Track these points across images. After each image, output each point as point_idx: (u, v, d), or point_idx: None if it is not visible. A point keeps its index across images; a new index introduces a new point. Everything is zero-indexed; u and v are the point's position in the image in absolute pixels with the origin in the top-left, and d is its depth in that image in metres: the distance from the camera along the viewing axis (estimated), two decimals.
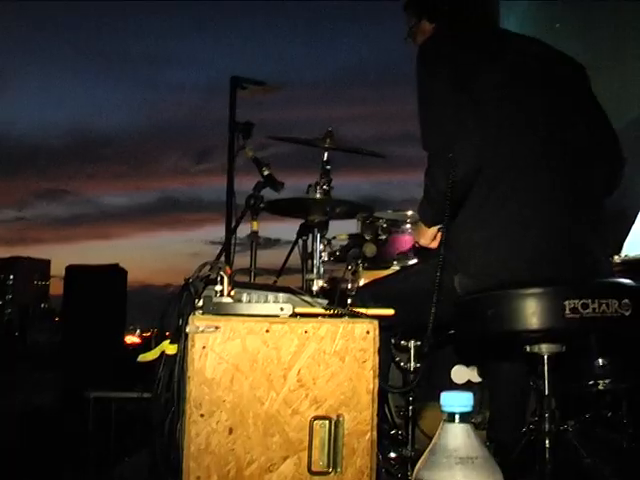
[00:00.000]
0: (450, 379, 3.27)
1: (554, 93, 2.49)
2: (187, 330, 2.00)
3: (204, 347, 1.99)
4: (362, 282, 3.30)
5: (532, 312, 2.13)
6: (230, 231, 4.52)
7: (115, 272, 9.22)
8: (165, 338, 2.24)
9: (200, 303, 2.11)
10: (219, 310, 2.08)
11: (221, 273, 2.14)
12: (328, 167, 3.52)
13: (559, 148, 2.41)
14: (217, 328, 2.00)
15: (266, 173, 3.80)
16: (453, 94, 2.35)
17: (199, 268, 2.23)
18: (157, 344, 2.26)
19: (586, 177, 2.44)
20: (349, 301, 3.13)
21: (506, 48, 2.54)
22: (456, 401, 1.34)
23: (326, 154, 3.56)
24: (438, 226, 2.55)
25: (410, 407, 3.03)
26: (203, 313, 2.09)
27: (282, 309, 2.08)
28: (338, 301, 3.07)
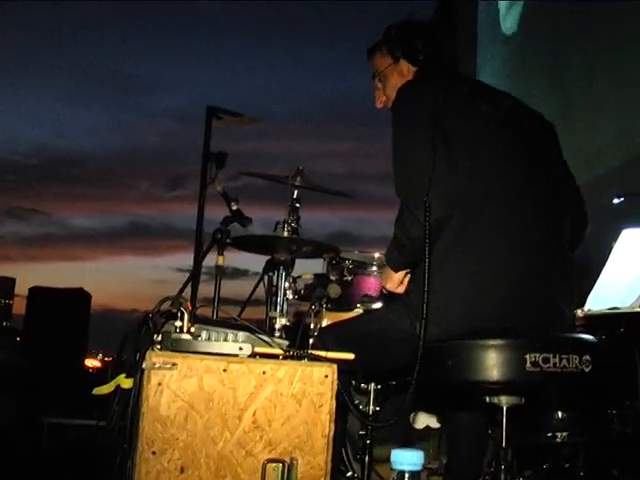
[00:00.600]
0: (409, 424, 3.25)
1: (525, 147, 2.50)
2: (143, 366, 1.97)
3: (159, 384, 1.96)
4: (325, 323, 3.27)
5: (493, 364, 2.12)
6: (197, 263, 4.50)
7: (79, 296, 9.12)
8: (122, 369, 2.21)
9: (159, 338, 2.09)
10: (177, 347, 2.05)
11: (181, 309, 2.11)
12: (297, 205, 3.51)
13: (529, 201, 2.42)
14: (174, 365, 1.97)
15: (234, 208, 3.78)
16: (429, 141, 2.33)
17: (160, 302, 2.20)
18: (113, 376, 2.22)
19: (555, 230, 2.45)
20: (311, 341, 3.11)
21: (481, 99, 2.54)
22: (406, 459, 1.32)
23: (296, 192, 3.54)
24: (405, 271, 2.55)
25: (367, 451, 2.99)
26: (161, 349, 2.06)
27: (241, 349, 2.06)
28: (300, 341, 3.04)
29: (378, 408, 3.08)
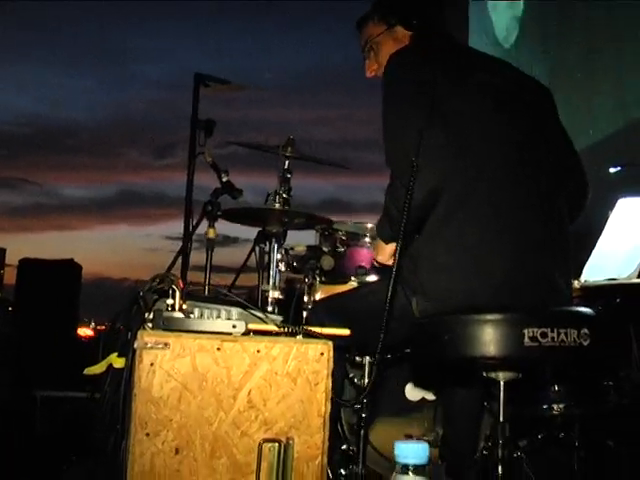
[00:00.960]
0: (404, 396, 3.23)
1: (522, 116, 2.45)
2: (135, 346, 1.93)
3: (152, 364, 1.93)
4: (319, 296, 3.23)
5: (490, 339, 2.08)
6: (186, 236, 4.47)
7: (69, 267, 9.05)
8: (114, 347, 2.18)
9: (150, 316, 2.05)
10: (169, 325, 2.01)
11: (173, 286, 2.07)
12: (288, 175, 3.47)
13: (526, 172, 2.37)
14: (166, 345, 1.94)
15: (224, 180, 3.74)
16: (421, 110, 2.28)
17: (151, 279, 2.15)
18: (105, 354, 2.19)
19: (552, 202, 2.40)
20: (304, 314, 3.08)
21: (476, 67, 2.48)
22: (410, 453, 1.28)
23: (287, 162, 3.50)
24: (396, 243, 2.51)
25: (362, 424, 2.97)
26: (153, 328, 2.02)
27: (234, 326, 2.02)
28: (294, 314, 3.01)
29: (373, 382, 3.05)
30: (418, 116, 2.27)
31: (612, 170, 3.51)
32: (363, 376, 3.05)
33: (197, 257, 4.21)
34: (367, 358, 3.00)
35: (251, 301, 3.75)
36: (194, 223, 3.95)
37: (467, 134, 2.31)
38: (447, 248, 2.29)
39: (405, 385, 3.23)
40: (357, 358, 3.02)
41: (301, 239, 3.64)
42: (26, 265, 8.94)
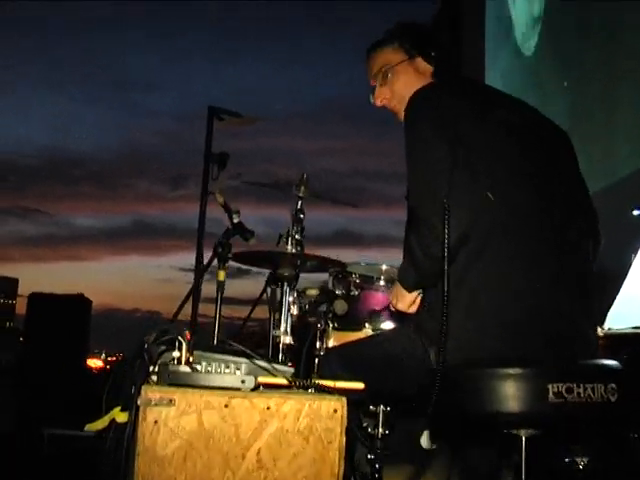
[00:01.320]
0: (419, 444, 3.12)
1: (541, 159, 2.36)
2: (138, 402, 1.83)
3: (156, 422, 1.83)
4: (332, 343, 3.13)
5: (512, 394, 1.98)
6: (197, 271, 4.40)
7: (79, 301, 9.02)
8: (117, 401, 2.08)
9: (155, 370, 1.95)
10: (175, 380, 1.91)
11: (179, 338, 1.97)
12: (301, 216, 3.38)
13: (548, 216, 2.27)
14: (171, 401, 1.84)
15: (236, 221, 3.66)
16: (448, 152, 2.18)
17: (157, 330, 2.06)
18: (108, 408, 2.09)
19: (573, 247, 2.31)
20: (316, 361, 2.99)
21: (495, 105, 2.40)
22: None
23: (300, 202, 3.41)
24: (418, 290, 2.41)
25: (376, 475, 2.87)
26: (157, 382, 1.92)
27: (243, 381, 1.92)
28: (305, 362, 2.91)
29: (387, 431, 2.94)
30: (447, 155, 2.18)
31: (636, 212, 3.41)
32: (377, 425, 2.95)
33: (209, 289, 4.12)
34: (381, 407, 2.90)
35: (263, 340, 3.69)
36: (205, 262, 3.87)
37: (491, 173, 2.22)
38: (469, 295, 2.18)
39: (420, 433, 3.12)
40: (371, 407, 2.92)
41: (314, 278, 3.56)
42: (36, 299, 8.90)
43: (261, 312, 3.99)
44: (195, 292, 4.34)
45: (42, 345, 8.56)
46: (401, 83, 2.63)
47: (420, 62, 2.63)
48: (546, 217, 2.28)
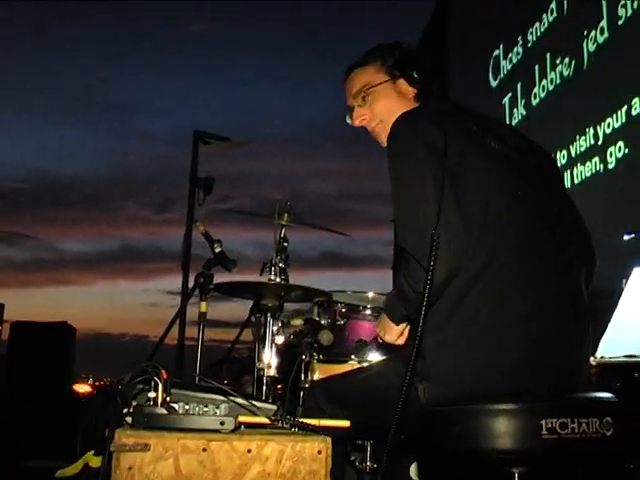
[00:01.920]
0: (409, 475, 3.03)
1: (534, 187, 2.28)
2: (111, 448, 1.74)
3: (130, 468, 1.75)
4: (317, 376, 3.04)
5: (504, 431, 1.89)
6: (184, 298, 4.33)
7: (62, 329, 8.88)
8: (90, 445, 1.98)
9: (130, 411, 1.86)
10: (150, 422, 1.82)
11: (155, 378, 1.88)
12: (285, 244, 3.30)
13: (542, 245, 2.20)
14: (146, 446, 1.75)
15: (217, 250, 3.59)
16: (437, 183, 2.05)
17: (131, 369, 1.96)
18: (82, 452, 1.99)
19: (571, 275, 2.24)
20: (301, 394, 2.90)
21: (489, 135, 2.30)
22: None
23: (283, 230, 3.34)
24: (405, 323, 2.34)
25: None
26: (132, 424, 1.83)
27: (223, 423, 1.83)
28: (289, 396, 2.82)
29: (375, 465, 2.85)
30: (433, 186, 2.06)
31: (626, 237, 3.33)
32: (364, 459, 2.86)
33: (197, 312, 4.04)
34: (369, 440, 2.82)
35: (251, 364, 3.60)
36: (185, 294, 3.80)
37: (482, 204, 2.12)
38: (458, 328, 2.10)
39: (409, 465, 3.03)
40: (358, 441, 2.84)
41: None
42: (18, 328, 8.77)
43: (249, 334, 3.92)
44: (181, 316, 4.27)
45: (24, 374, 8.42)
46: (382, 105, 2.55)
47: (402, 84, 2.56)
48: (543, 241, 2.21)
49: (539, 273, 2.16)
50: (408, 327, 2.40)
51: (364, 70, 2.62)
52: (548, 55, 5.73)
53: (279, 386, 3.47)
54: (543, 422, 1.88)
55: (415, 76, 2.55)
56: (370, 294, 3.33)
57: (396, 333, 2.39)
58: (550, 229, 2.24)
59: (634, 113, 4.38)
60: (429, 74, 2.60)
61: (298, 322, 3.11)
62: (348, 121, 2.68)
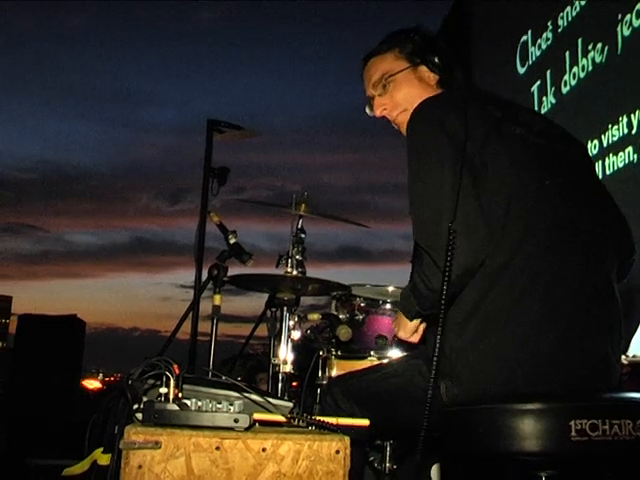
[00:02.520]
0: (429, 477, 2.95)
1: (562, 174, 2.18)
2: (120, 445, 1.66)
3: (140, 466, 1.67)
4: (334, 372, 2.96)
5: (531, 432, 1.80)
6: (196, 295, 4.26)
7: (72, 322, 8.77)
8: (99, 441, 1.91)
9: (140, 407, 1.78)
10: (161, 419, 1.74)
11: (167, 373, 1.80)
12: (302, 236, 3.22)
13: (571, 237, 2.10)
14: (157, 444, 1.67)
15: (232, 242, 3.51)
16: (456, 174, 1.96)
17: (142, 364, 1.88)
18: (90, 449, 1.92)
19: (600, 269, 2.14)
20: (318, 391, 2.82)
21: (511, 119, 2.21)
22: None
23: (301, 221, 3.26)
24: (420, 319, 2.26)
25: None
26: (143, 421, 1.75)
27: (237, 420, 1.75)
28: (306, 393, 2.75)
29: (395, 466, 2.77)
30: (453, 178, 1.96)
31: None
32: (384, 460, 2.78)
33: (210, 306, 3.96)
34: (388, 441, 2.74)
35: (266, 360, 3.52)
36: (199, 288, 3.72)
37: (505, 195, 2.04)
38: (480, 325, 2.01)
39: (430, 466, 2.95)
40: (377, 441, 2.75)
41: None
42: (26, 321, 8.66)
43: (264, 330, 3.85)
44: (194, 310, 4.20)
45: (32, 369, 8.33)
46: (403, 93, 2.47)
47: (424, 70, 2.48)
48: (571, 233, 2.11)
49: (566, 267, 2.07)
50: (423, 324, 2.32)
51: (383, 58, 2.53)
52: (580, 41, 5.53)
53: (295, 383, 3.40)
54: (572, 423, 1.79)
55: (436, 61, 2.48)
56: (390, 288, 3.24)
57: (410, 330, 2.31)
58: (579, 219, 2.14)
59: None
60: (451, 59, 2.51)
61: (315, 316, 3.04)
62: (368, 112, 2.60)
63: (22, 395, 8.05)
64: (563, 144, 2.29)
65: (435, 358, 1.83)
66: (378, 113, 2.53)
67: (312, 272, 3.30)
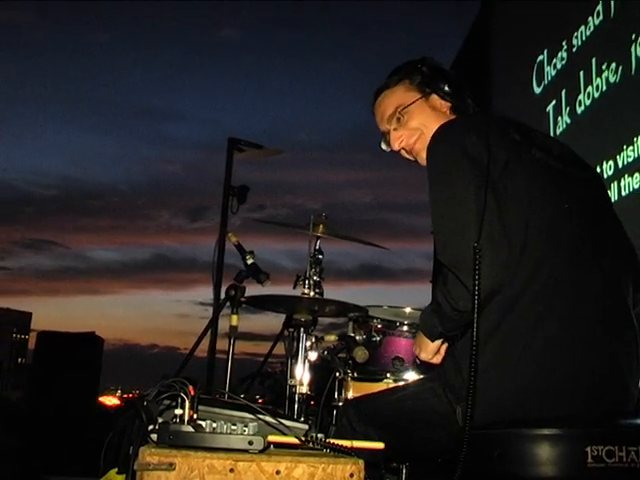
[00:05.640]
0: None
1: (580, 199, 2.18)
2: (135, 467, 1.66)
3: None
4: (350, 394, 2.95)
5: (546, 458, 1.79)
6: (215, 313, 4.26)
7: (90, 340, 8.81)
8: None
9: (155, 428, 1.78)
10: (176, 440, 1.74)
11: (182, 394, 1.80)
12: (320, 257, 3.22)
13: (590, 261, 2.10)
14: (171, 465, 1.67)
15: (250, 262, 3.52)
16: (478, 196, 1.97)
17: (157, 386, 1.88)
18: (105, 469, 1.93)
19: (618, 293, 2.13)
20: (334, 413, 2.81)
21: (530, 142, 2.22)
22: None
23: (318, 242, 3.26)
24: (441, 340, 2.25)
25: None
26: (157, 442, 1.75)
27: (251, 443, 1.74)
28: (322, 414, 2.74)
29: None
30: (477, 195, 1.97)
31: None
32: None
33: (227, 322, 3.97)
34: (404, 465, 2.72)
35: (283, 379, 3.53)
36: (216, 309, 3.73)
37: (525, 216, 2.04)
38: (498, 348, 2.00)
39: None
40: (393, 464, 2.74)
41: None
42: (45, 338, 8.70)
43: (283, 348, 3.84)
44: (213, 328, 4.21)
45: (50, 385, 8.36)
46: (418, 120, 2.47)
47: (435, 99, 2.49)
48: (588, 256, 2.11)
49: (584, 290, 2.06)
50: (445, 345, 2.31)
51: (393, 91, 2.55)
52: (594, 60, 5.50)
53: (313, 402, 3.40)
54: (589, 449, 1.78)
55: (447, 89, 2.49)
56: (407, 309, 3.23)
57: (431, 351, 2.31)
58: (596, 243, 2.14)
59: None
60: (460, 86, 2.52)
61: (332, 338, 3.03)
62: (384, 147, 2.60)
63: (39, 411, 8.08)
64: (577, 168, 2.29)
65: (472, 379, 1.82)
66: (396, 146, 2.53)
67: (331, 291, 3.31)
